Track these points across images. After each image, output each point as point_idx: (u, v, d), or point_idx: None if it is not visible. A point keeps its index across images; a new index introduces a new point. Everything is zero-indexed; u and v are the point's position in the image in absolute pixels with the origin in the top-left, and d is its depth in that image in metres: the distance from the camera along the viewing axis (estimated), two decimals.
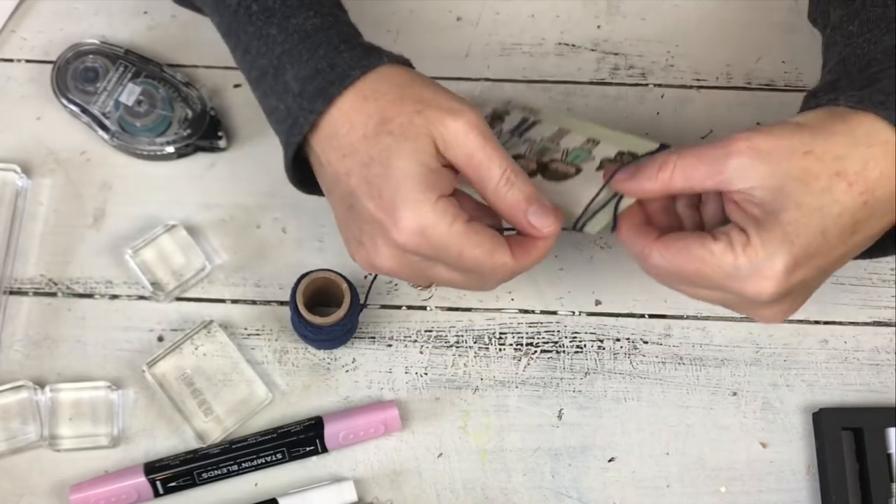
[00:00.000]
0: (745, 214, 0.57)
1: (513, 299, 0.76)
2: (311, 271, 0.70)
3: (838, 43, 0.66)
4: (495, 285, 0.63)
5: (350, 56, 0.61)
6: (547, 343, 0.75)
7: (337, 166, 0.60)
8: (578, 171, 0.66)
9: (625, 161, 0.63)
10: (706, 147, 0.58)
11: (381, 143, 0.59)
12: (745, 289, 0.57)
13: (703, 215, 0.64)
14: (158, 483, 0.70)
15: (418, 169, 0.58)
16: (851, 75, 0.62)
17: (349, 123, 0.60)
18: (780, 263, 0.56)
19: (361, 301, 0.71)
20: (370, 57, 0.61)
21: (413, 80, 0.61)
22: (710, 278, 0.58)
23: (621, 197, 0.62)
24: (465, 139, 0.59)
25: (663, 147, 0.63)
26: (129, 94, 0.77)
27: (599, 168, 0.65)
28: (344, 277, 0.70)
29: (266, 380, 0.73)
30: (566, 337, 0.76)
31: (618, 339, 0.76)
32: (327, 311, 0.70)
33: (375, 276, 0.71)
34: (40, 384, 0.72)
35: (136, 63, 0.78)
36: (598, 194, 0.63)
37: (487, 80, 0.81)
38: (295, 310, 0.69)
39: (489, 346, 0.75)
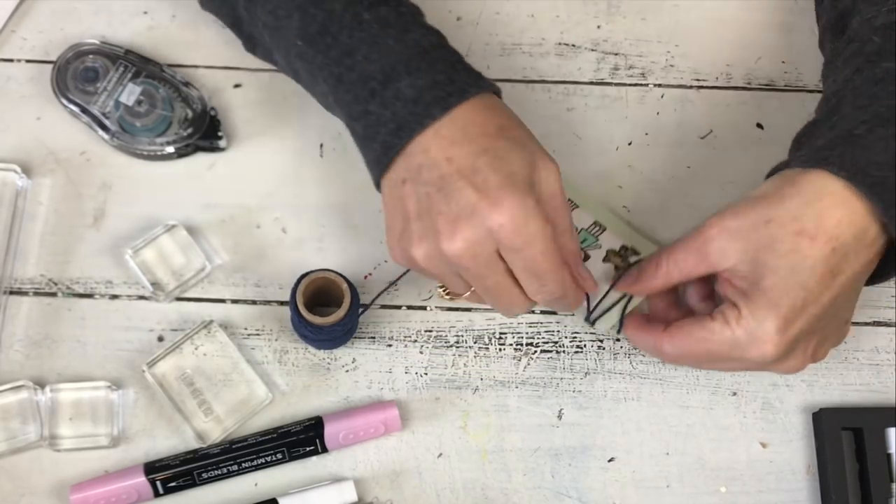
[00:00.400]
0: (735, 289, 0.64)
1: None
2: (312, 271, 0.70)
3: (828, 77, 0.71)
4: (522, 310, 0.67)
5: (466, 75, 0.66)
6: (547, 343, 0.75)
7: (435, 154, 0.63)
8: (587, 257, 0.75)
9: (628, 255, 0.75)
10: (688, 238, 0.65)
11: (500, 142, 0.63)
12: (750, 355, 0.64)
13: (715, 301, 0.70)
14: (158, 483, 0.70)
15: (528, 172, 0.63)
16: (820, 122, 0.67)
17: (465, 123, 0.64)
18: (772, 326, 0.62)
19: (372, 299, 0.71)
20: (483, 80, 0.67)
21: (515, 114, 0.67)
22: (718, 354, 0.65)
23: (630, 297, 0.72)
24: (555, 180, 0.65)
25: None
26: (130, 94, 0.77)
27: (606, 259, 0.75)
28: (344, 277, 0.70)
29: (266, 380, 0.73)
30: (566, 337, 0.76)
31: (618, 339, 0.76)
32: (327, 312, 0.70)
33: (407, 270, 0.71)
34: (40, 384, 0.72)
35: (136, 63, 0.78)
36: (607, 292, 0.73)
37: None
38: (295, 310, 0.69)
39: (489, 346, 0.75)
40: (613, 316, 0.73)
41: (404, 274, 0.72)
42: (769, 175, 0.67)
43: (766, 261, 0.62)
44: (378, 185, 0.68)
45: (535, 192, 0.63)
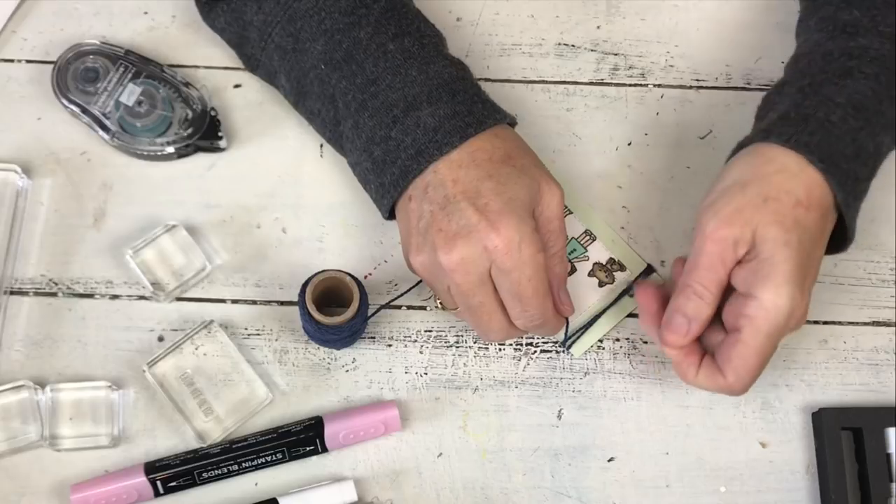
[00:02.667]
0: (744, 275, 0.65)
1: None
2: (321, 271, 0.70)
3: (799, 35, 0.77)
4: (499, 336, 0.70)
5: (484, 108, 0.70)
6: (546, 343, 0.75)
7: (443, 174, 0.67)
8: (573, 270, 0.76)
9: (614, 271, 0.76)
10: (693, 256, 0.66)
11: (504, 169, 0.67)
12: (794, 324, 0.66)
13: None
14: (159, 483, 0.70)
15: (528, 199, 0.67)
16: (788, 84, 0.72)
17: (474, 149, 0.68)
18: (798, 295, 0.64)
19: (387, 301, 0.71)
20: (500, 112, 0.71)
21: (525, 143, 0.71)
22: (772, 346, 0.66)
23: (599, 316, 0.75)
24: (557, 204, 0.69)
25: (650, 268, 0.76)
26: (130, 94, 0.77)
27: (591, 274, 0.76)
28: (353, 277, 0.70)
29: (266, 380, 0.73)
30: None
31: (617, 339, 0.76)
32: (335, 312, 0.70)
33: (419, 281, 0.73)
34: (41, 384, 0.72)
35: (136, 63, 0.78)
36: (596, 317, 0.75)
37: (487, 80, 0.81)
38: (304, 310, 0.69)
39: (489, 346, 0.75)
40: (588, 340, 0.75)
41: (419, 282, 0.73)
42: (736, 150, 0.70)
43: (775, 236, 0.64)
44: (387, 210, 0.71)
45: (532, 220, 0.67)
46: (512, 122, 0.72)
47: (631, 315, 0.76)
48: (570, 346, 0.75)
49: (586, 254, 0.77)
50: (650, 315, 0.70)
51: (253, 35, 0.74)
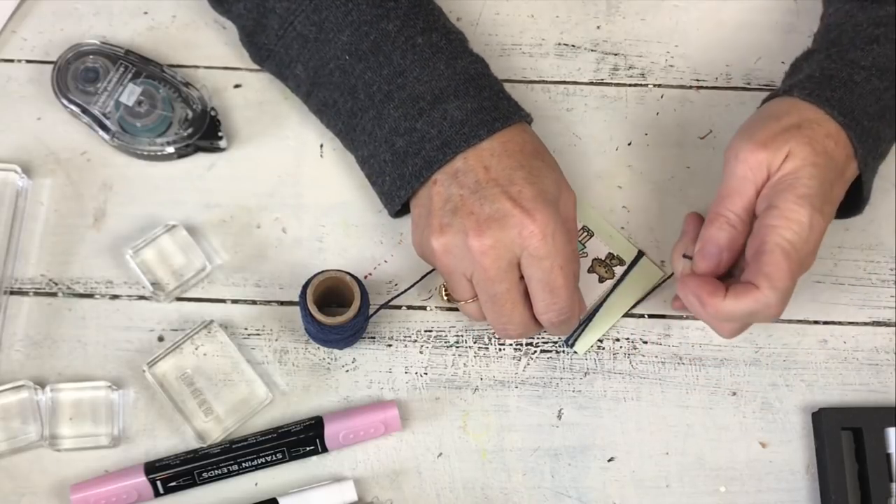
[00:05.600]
0: (770, 191, 0.66)
1: None
2: (320, 272, 0.70)
3: (829, 5, 0.77)
4: (518, 330, 0.70)
5: (507, 103, 0.71)
6: (546, 343, 0.75)
7: (473, 162, 0.68)
8: None
9: (613, 265, 0.76)
10: (724, 183, 0.68)
11: (535, 162, 0.69)
12: (809, 252, 0.66)
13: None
14: (159, 483, 0.70)
15: (556, 193, 0.68)
16: (817, 52, 0.73)
17: (504, 140, 0.69)
18: (817, 216, 0.65)
19: (387, 301, 0.71)
20: (522, 109, 0.72)
21: (542, 142, 0.72)
22: (800, 249, 0.65)
23: (595, 315, 0.75)
24: (572, 207, 0.70)
25: (641, 253, 0.77)
26: (130, 94, 0.77)
27: (591, 270, 0.76)
28: (354, 277, 0.70)
29: (266, 380, 0.73)
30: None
31: (617, 339, 0.76)
32: (336, 312, 0.70)
33: (426, 272, 0.74)
34: (41, 384, 0.72)
35: (136, 63, 0.78)
36: (595, 310, 0.76)
37: None
38: (305, 309, 0.69)
39: (489, 346, 0.75)
40: (591, 337, 0.75)
41: (424, 276, 0.73)
42: (765, 101, 0.72)
43: (805, 155, 0.65)
44: (401, 203, 0.71)
45: (560, 213, 0.68)
46: (531, 121, 0.73)
47: (631, 315, 0.76)
48: (573, 344, 0.75)
49: (585, 250, 0.77)
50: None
51: (273, 23, 0.73)
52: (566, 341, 0.75)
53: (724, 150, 0.68)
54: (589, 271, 0.76)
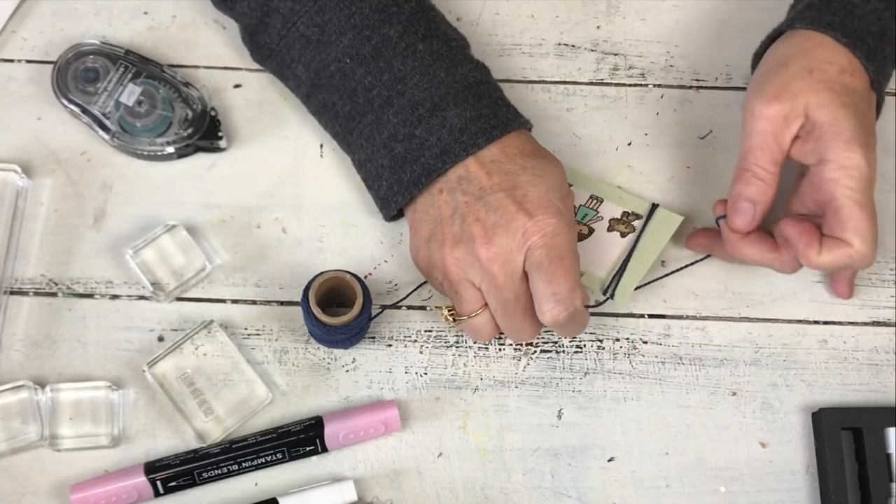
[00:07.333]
0: (809, 148, 0.67)
1: None
2: (320, 273, 0.70)
3: None
4: (529, 332, 0.70)
5: (508, 111, 0.72)
6: (546, 343, 0.75)
7: (475, 169, 0.69)
8: (591, 231, 0.77)
9: (631, 220, 0.76)
10: (745, 140, 0.69)
11: (535, 161, 0.69)
12: (873, 178, 0.66)
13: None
14: (159, 483, 0.70)
15: (560, 192, 0.69)
16: None
17: (504, 146, 0.70)
18: (862, 156, 0.65)
19: (395, 302, 0.71)
20: (521, 116, 0.72)
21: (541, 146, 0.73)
22: (868, 191, 0.66)
23: (627, 264, 0.75)
24: (572, 206, 0.71)
25: (655, 205, 0.77)
26: (130, 94, 0.77)
27: (610, 229, 0.76)
28: (355, 276, 0.70)
29: (266, 380, 0.73)
30: (566, 336, 0.76)
31: (617, 339, 0.76)
32: (338, 312, 0.70)
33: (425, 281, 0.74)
34: (41, 384, 0.72)
35: (136, 63, 0.78)
36: (625, 262, 0.75)
37: None
38: (309, 313, 0.69)
39: (489, 346, 0.75)
40: (628, 283, 0.75)
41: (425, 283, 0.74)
42: (766, 42, 0.72)
43: (829, 100, 0.66)
44: (396, 209, 0.71)
45: (566, 207, 0.69)
46: (530, 128, 0.73)
47: (631, 315, 0.76)
48: (613, 295, 0.75)
49: (599, 215, 0.77)
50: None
51: (276, 22, 0.74)
52: (605, 292, 0.75)
53: (742, 106, 0.70)
54: (608, 230, 0.77)
